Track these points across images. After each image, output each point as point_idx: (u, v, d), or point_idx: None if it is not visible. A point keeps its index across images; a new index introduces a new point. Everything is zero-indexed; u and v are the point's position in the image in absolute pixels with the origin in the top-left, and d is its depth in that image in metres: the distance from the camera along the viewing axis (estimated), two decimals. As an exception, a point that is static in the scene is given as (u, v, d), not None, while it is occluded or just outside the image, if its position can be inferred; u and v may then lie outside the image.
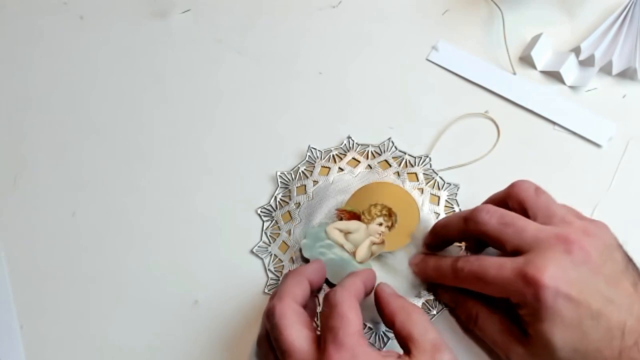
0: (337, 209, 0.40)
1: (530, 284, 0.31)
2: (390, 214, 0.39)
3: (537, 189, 0.35)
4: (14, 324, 0.39)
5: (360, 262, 0.38)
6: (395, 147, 0.42)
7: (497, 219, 0.33)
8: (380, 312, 0.34)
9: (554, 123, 0.43)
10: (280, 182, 0.41)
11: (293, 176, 0.41)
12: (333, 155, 0.42)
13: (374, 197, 0.39)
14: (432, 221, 0.39)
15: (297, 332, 0.31)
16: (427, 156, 0.42)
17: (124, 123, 0.44)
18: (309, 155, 0.41)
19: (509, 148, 0.42)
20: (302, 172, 0.41)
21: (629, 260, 0.33)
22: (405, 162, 0.42)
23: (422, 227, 0.39)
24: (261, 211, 0.41)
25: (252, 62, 0.45)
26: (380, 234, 0.39)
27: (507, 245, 0.33)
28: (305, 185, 0.41)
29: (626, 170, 0.42)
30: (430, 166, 0.41)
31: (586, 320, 0.31)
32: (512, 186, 0.35)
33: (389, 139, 0.42)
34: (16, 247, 0.41)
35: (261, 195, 0.41)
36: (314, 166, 0.41)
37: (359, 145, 0.42)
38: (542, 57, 0.45)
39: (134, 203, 0.41)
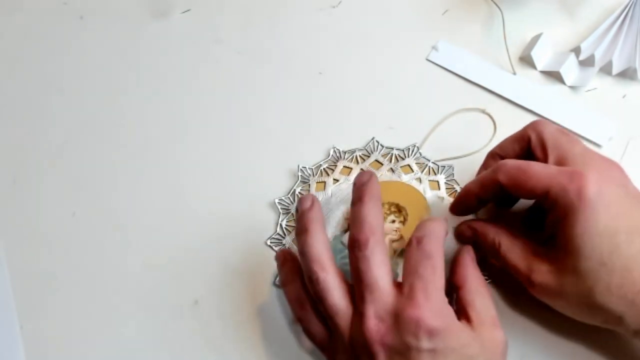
0: (346, 218, 0.39)
1: (575, 179, 0.30)
2: (399, 209, 0.39)
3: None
4: (14, 324, 0.39)
5: None
6: (382, 145, 0.42)
7: (555, 128, 0.34)
8: (452, 270, 0.34)
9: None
10: (281, 208, 0.41)
11: (292, 199, 0.41)
12: (324, 169, 0.41)
13: None
14: (439, 205, 0.39)
15: (383, 271, 0.31)
16: (415, 145, 0.42)
17: (123, 122, 0.44)
18: (301, 175, 0.41)
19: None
20: (299, 193, 0.41)
21: None
22: (395, 156, 0.42)
23: (433, 212, 0.39)
24: (271, 242, 0.40)
25: (252, 62, 0.45)
26: (396, 231, 0.38)
27: (555, 150, 0.33)
28: None
29: (626, 170, 0.42)
30: (421, 154, 0.42)
31: (622, 233, 0.30)
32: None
33: (373, 138, 0.42)
34: (16, 247, 0.41)
35: (265, 224, 0.40)
36: (309, 184, 0.41)
37: (345, 152, 0.42)
38: (542, 57, 0.45)
39: (133, 202, 0.41)
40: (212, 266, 0.40)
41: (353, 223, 0.32)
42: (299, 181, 0.41)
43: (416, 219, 0.39)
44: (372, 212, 0.32)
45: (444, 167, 0.41)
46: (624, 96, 0.44)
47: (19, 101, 0.44)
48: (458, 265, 0.34)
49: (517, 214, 0.38)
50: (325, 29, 0.46)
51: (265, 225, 0.41)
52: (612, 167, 0.33)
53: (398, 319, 0.29)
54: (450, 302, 0.32)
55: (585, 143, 0.42)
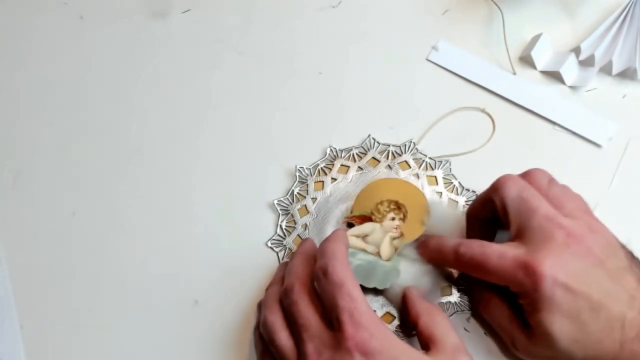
0: (346, 217, 0.39)
1: (530, 273, 0.31)
2: (398, 206, 0.39)
3: (551, 180, 0.35)
4: (14, 324, 0.39)
5: (388, 260, 0.38)
6: (378, 142, 0.42)
7: (517, 190, 0.34)
8: (405, 311, 0.35)
9: (553, 123, 0.43)
10: (280, 209, 0.40)
11: (290, 200, 0.41)
12: (321, 169, 0.41)
13: (377, 195, 0.39)
14: (438, 201, 0.40)
15: (313, 310, 0.32)
16: (411, 141, 0.42)
17: (124, 123, 0.44)
18: (299, 175, 0.41)
19: (508, 148, 0.42)
20: (298, 193, 0.41)
21: (633, 258, 0.33)
22: (392, 153, 0.42)
23: (432, 209, 0.39)
24: (272, 243, 0.40)
25: (252, 62, 0.45)
26: (396, 228, 0.38)
27: (514, 221, 0.33)
28: (305, 205, 0.41)
29: (626, 170, 0.42)
30: (417, 150, 0.42)
31: (585, 311, 0.31)
32: (527, 173, 0.36)
33: (369, 136, 0.42)
34: (16, 247, 0.41)
35: (264, 224, 0.40)
36: (307, 184, 0.41)
37: (342, 151, 0.42)
38: (542, 57, 0.45)
39: (133, 202, 0.41)
40: (212, 266, 0.40)
41: (285, 275, 0.35)
42: (297, 181, 0.41)
43: (416, 215, 0.39)
44: (297, 264, 0.35)
45: (441, 162, 0.41)
46: (624, 96, 0.44)
47: (19, 101, 0.44)
48: (407, 304, 0.35)
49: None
50: (325, 29, 0.46)
51: (264, 225, 0.41)
52: (572, 243, 0.32)
53: (336, 350, 0.30)
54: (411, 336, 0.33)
55: (585, 143, 0.43)
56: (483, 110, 0.43)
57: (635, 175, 0.42)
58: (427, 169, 0.41)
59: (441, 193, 0.41)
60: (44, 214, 0.41)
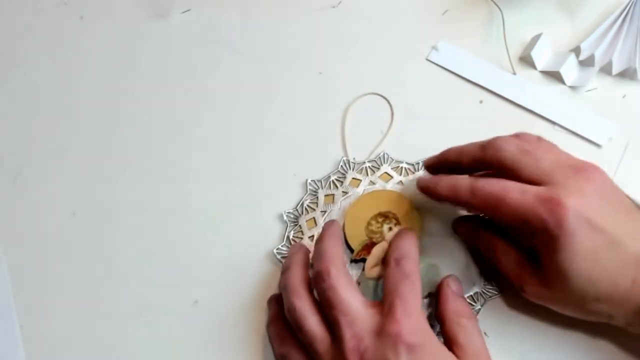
0: (352, 257, 0.38)
1: (553, 208, 0.30)
2: (384, 215, 0.39)
3: (540, 138, 0.35)
4: (14, 324, 0.39)
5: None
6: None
7: (515, 146, 0.33)
8: (437, 304, 0.35)
9: (554, 123, 0.43)
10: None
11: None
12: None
13: (360, 220, 0.39)
14: (407, 188, 0.40)
15: (351, 294, 0.32)
16: (342, 159, 0.41)
17: (123, 123, 0.44)
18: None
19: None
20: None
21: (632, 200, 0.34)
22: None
23: (405, 191, 0.39)
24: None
25: (252, 62, 0.45)
26: None
27: (523, 173, 0.32)
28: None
29: (626, 171, 0.42)
30: (354, 161, 0.41)
31: (603, 248, 0.30)
32: (517, 134, 0.35)
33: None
34: (16, 247, 0.41)
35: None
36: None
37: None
38: (542, 57, 0.45)
39: (133, 203, 0.41)
40: (213, 266, 0.40)
41: (315, 258, 0.34)
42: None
43: (402, 209, 0.39)
44: (330, 246, 0.34)
45: (378, 157, 0.41)
46: (624, 96, 0.44)
47: (19, 101, 0.44)
48: (439, 300, 0.35)
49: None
50: (325, 29, 0.46)
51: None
52: (588, 178, 0.32)
53: (378, 336, 0.30)
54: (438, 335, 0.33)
55: (585, 143, 0.43)
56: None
57: (635, 175, 0.42)
58: (374, 172, 0.41)
59: (401, 181, 0.41)
60: (44, 214, 0.41)
